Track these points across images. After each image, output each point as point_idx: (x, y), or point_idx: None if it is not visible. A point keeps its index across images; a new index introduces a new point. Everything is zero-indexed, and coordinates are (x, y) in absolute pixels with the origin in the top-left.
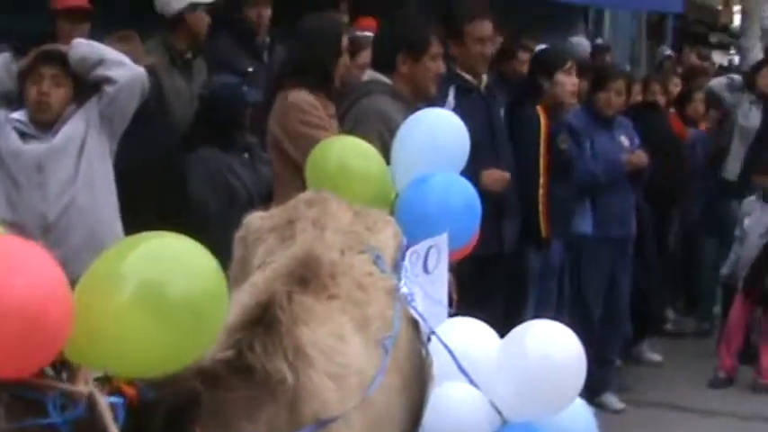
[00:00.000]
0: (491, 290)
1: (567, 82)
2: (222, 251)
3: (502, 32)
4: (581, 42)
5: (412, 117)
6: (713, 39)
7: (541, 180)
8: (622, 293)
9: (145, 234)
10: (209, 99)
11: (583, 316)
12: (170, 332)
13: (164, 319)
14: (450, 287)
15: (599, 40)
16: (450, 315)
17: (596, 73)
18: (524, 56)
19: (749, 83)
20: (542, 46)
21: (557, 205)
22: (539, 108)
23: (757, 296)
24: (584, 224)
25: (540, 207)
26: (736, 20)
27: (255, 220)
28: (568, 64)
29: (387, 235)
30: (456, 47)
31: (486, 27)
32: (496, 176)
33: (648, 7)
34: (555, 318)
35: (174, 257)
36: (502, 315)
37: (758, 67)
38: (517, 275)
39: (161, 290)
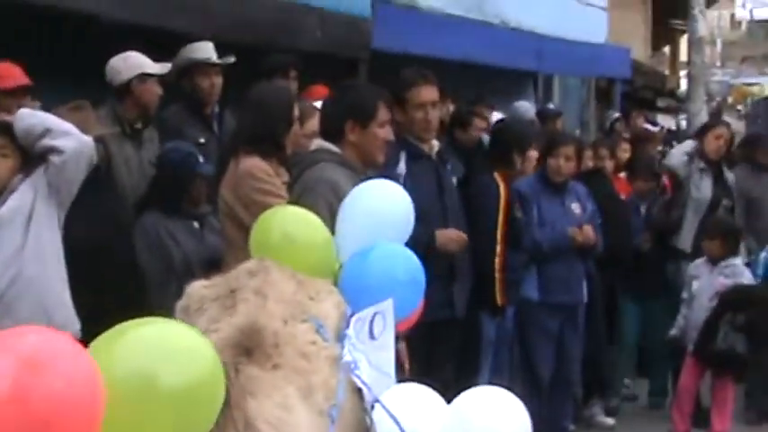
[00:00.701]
0: (443, 356)
1: (533, 156)
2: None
3: (455, 100)
4: (525, 106)
5: (356, 188)
6: (661, 103)
7: (499, 248)
8: (572, 359)
9: (135, 322)
10: (158, 162)
11: (532, 380)
12: (172, 422)
13: (168, 412)
14: (401, 354)
15: (551, 105)
16: (401, 381)
17: (546, 139)
18: (479, 123)
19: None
20: (497, 114)
21: (511, 272)
22: (497, 176)
23: (707, 359)
24: (530, 289)
25: (497, 275)
26: (683, 84)
27: (198, 288)
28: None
29: (329, 304)
30: (400, 113)
31: (425, 93)
32: (452, 236)
33: (597, 73)
34: (508, 383)
35: (171, 347)
36: (454, 382)
37: (703, 131)
38: (470, 341)
39: (162, 383)
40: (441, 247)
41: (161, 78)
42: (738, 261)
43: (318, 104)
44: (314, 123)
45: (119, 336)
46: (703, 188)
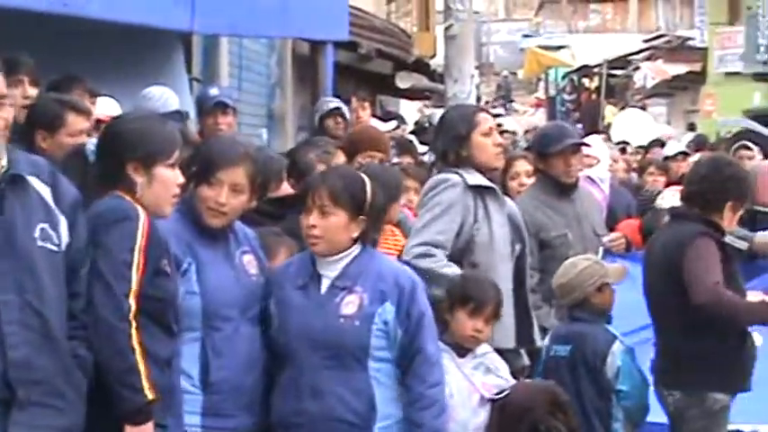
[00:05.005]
0: None
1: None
2: None
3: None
4: (161, 95)
5: None
6: (403, 82)
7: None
8: None
9: None
10: None
11: None
12: None
13: None
14: None
15: (212, 90)
16: None
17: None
18: (75, 121)
19: None
20: (107, 105)
21: None
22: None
23: None
24: None
25: None
26: (442, 50)
27: None
28: None
29: None
30: None
31: None
32: None
33: (294, 33)
34: None
35: None
36: None
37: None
38: None
39: None
40: None
41: None
42: None
43: None
44: None
45: None
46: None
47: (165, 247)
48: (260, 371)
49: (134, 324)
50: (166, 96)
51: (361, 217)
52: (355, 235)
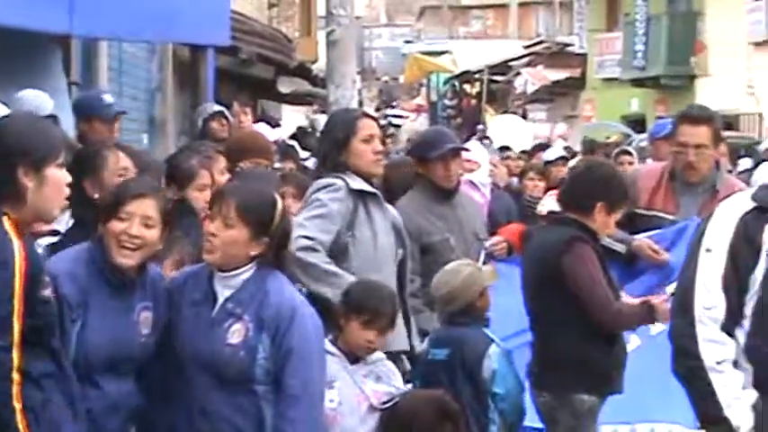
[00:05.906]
0: None
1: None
2: None
3: None
4: (34, 98)
5: None
6: (285, 87)
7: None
8: None
9: None
10: None
11: None
12: None
13: None
14: None
15: (105, 98)
16: None
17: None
18: None
19: None
20: None
21: None
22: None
23: None
24: None
25: None
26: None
27: None
28: None
29: None
30: None
31: None
32: None
33: (175, 37)
34: None
35: None
36: None
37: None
38: None
39: None
40: None
41: None
42: None
43: None
44: None
45: None
46: None
47: (44, 274)
48: (126, 415)
49: (16, 379)
50: (40, 100)
51: (264, 238)
52: (254, 254)
